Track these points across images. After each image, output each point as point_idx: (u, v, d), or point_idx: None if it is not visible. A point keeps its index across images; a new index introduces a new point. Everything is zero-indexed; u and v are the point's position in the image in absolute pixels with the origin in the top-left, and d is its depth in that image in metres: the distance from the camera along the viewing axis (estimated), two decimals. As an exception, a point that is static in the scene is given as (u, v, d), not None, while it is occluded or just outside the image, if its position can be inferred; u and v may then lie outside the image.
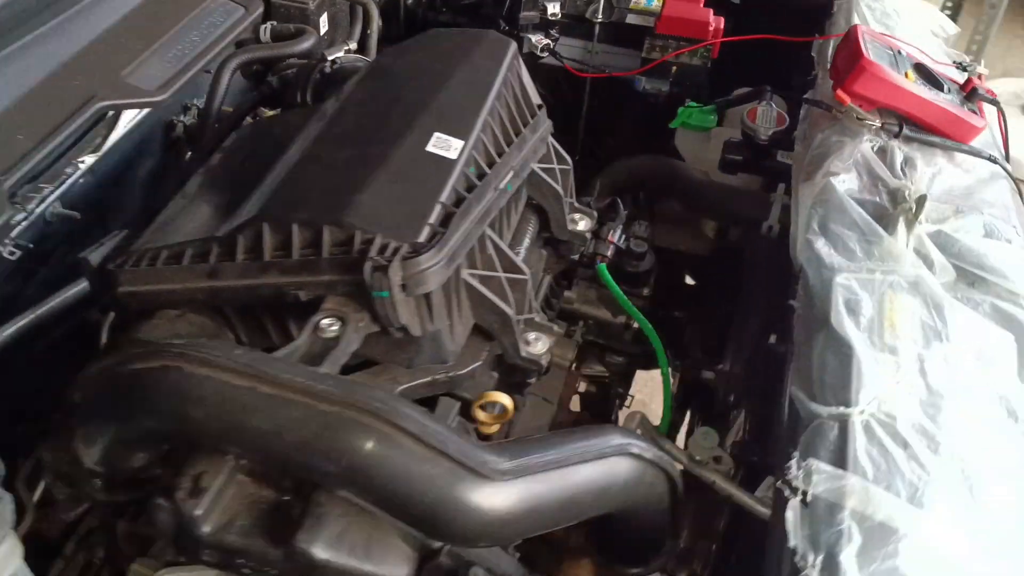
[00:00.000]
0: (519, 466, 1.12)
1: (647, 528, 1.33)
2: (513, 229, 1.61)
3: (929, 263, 1.52)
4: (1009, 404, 1.36)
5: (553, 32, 2.32)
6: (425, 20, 2.50)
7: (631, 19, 2.29)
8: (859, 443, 1.23)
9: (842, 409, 1.27)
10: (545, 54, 2.28)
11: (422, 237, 1.29)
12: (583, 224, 1.71)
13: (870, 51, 1.73)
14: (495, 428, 1.44)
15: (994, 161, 1.75)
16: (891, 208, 1.58)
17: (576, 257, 1.75)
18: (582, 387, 1.96)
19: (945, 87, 1.76)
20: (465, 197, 1.37)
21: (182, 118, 1.99)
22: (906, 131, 1.71)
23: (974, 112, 1.75)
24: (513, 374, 1.50)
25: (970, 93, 1.78)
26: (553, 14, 2.28)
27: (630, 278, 1.88)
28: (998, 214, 1.65)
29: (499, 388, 1.51)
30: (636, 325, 1.88)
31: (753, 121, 1.97)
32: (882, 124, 1.72)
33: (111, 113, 1.57)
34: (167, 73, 1.55)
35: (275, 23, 2.10)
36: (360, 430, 1.07)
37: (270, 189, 1.39)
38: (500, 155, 1.49)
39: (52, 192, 1.65)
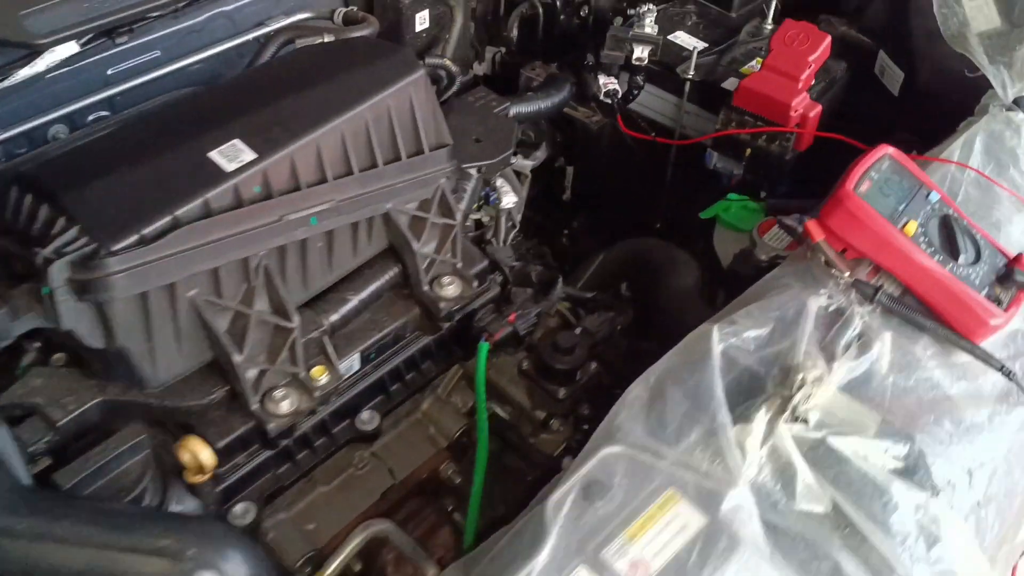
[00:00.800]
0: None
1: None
2: (342, 270, 1.40)
3: (787, 477, 1.11)
4: None
5: (638, 79, 2.02)
6: (563, 33, 2.27)
7: (729, 83, 1.92)
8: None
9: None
10: (608, 100, 1.99)
11: (122, 242, 1.15)
12: (451, 290, 1.45)
13: (871, 181, 1.29)
14: (199, 478, 1.26)
15: (1009, 376, 1.24)
16: (771, 389, 1.17)
17: (445, 325, 1.49)
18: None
19: (967, 257, 1.27)
20: (214, 215, 1.20)
21: (236, 80, 1.99)
22: (883, 299, 1.26)
23: (998, 303, 1.25)
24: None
25: (1006, 275, 1.26)
26: (638, 59, 1.97)
27: (549, 374, 1.58)
28: (958, 455, 1.16)
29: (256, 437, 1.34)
30: (557, 427, 1.58)
31: (761, 236, 1.57)
32: (855, 280, 1.28)
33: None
34: (63, 23, 1.52)
35: (352, 8, 2.01)
36: None
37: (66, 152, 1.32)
38: (318, 183, 1.30)
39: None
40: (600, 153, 2.15)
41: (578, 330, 1.64)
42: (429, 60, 1.68)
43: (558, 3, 2.24)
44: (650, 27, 2.00)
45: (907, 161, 1.35)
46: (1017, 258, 1.28)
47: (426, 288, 1.42)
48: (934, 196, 1.32)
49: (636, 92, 2.03)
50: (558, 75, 2.04)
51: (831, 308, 1.26)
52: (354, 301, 1.41)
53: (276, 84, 1.39)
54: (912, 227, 1.26)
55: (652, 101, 2.05)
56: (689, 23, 2.14)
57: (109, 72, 1.73)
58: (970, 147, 1.55)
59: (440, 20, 2.14)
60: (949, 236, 1.27)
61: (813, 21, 2.19)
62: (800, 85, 1.80)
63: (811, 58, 1.82)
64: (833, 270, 1.28)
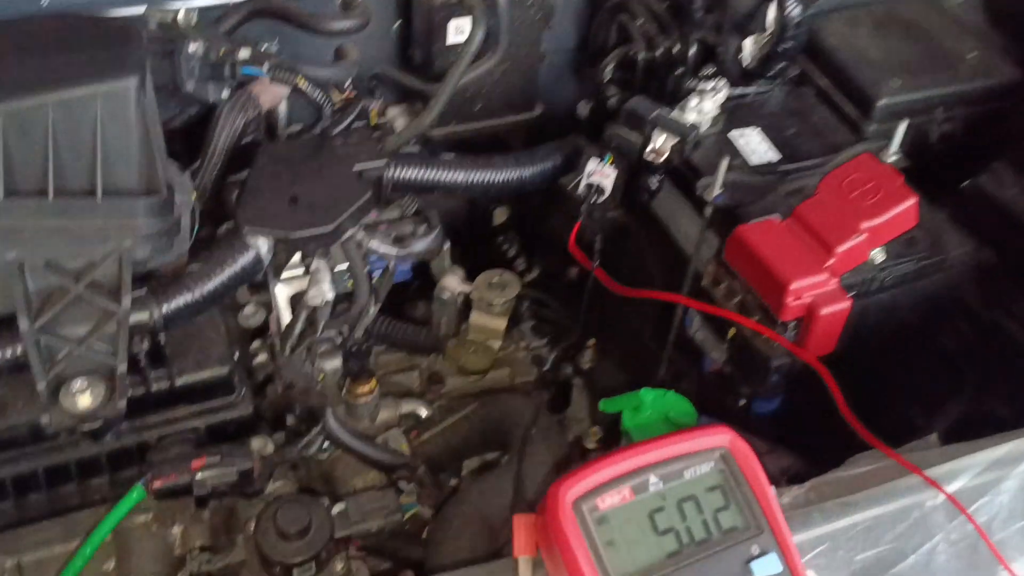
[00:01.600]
0: None
1: None
2: None
3: None
4: None
5: (653, 179, 1.40)
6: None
7: (761, 220, 1.26)
8: None
9: None
10: (595, 196, 1.39)
11: None
12: (82, 399, 0.97)
13: (634, 492, 0.66)
14: None
15: None
16: None
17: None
18: None
19: None
20: None
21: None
22: None
23: None
24: None
25: None
26: (653, 152, 1.35)
27: (265, 561, 1.08)
28: None
29: None
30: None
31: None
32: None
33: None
34: None
35: None
36: None
37: None
38: None
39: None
40: (621, 260, 1.56)
41: (338, 508, 1.12)
42: (275, 66, 1.20)
43: (658, 53, 1.65)
44: (694, 111, 1.38)
45: (754, 472, 0.69)
46: None
47: (42, 387, 0.97)
48: (766, 563, 0.65)
49: (647, 195, 1.41)
50: (556, 144, 1.49)
51: None
52: None
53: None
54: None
55: (678, 212, 1.43)
56: (788, 120, 1.47)
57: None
58: (1009, 468, 0.82)
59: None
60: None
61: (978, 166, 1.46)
62: (829, 261, 1.11)
63: (866, 224, 1.13)
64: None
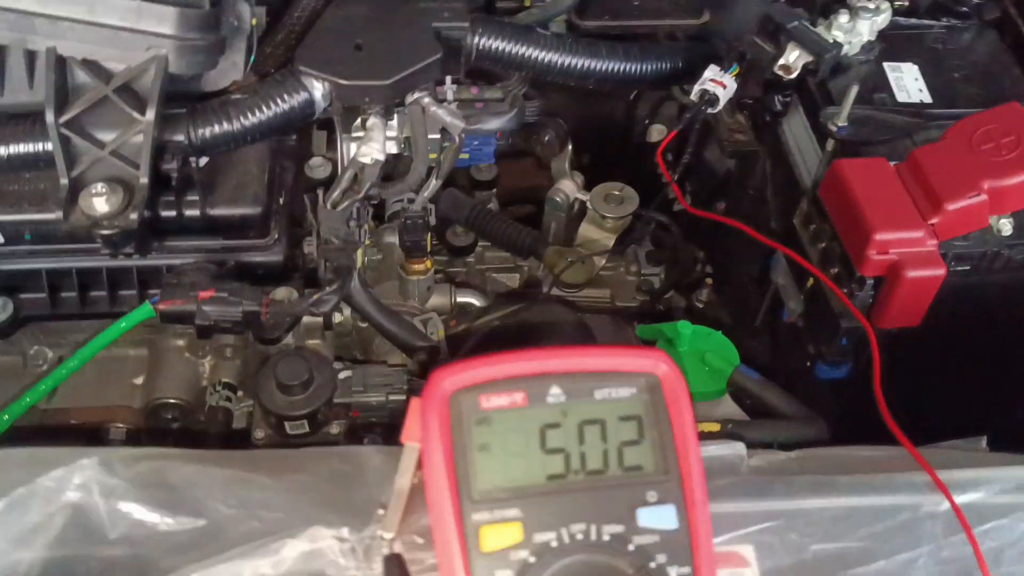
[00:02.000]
0: None
1: None
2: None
3: None
4: None
5: (778, 98, 1.24)
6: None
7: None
8: None
9: None
10: (706, 106, 1.24)
11: None
12: (98, 203, 0.97)
13: (527, 396, 0.57)
14: None
15: None
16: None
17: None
18: None
19: None
20: None
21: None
22: None
23: None
24: None
25: None
26: (783, 67, 1.19)
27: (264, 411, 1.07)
28: None
29: None
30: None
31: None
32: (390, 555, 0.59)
33: None
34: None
35: None
36: None
37: None
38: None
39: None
40: (744, 191, 1.42)
41: (344, 374, 1.08)
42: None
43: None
44: (842, 29, 1.20)
45: (680, 412, 0.57)
46: None
47: (64, 182, 0.97)
48: (658, 514, 0.54)
49: (768, 117, 1.26)
50: (682, 45, 1.35)
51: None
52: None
53: None
54: (512, 534, 0.53)
55: (804, 142, 1.27)
56: (957, 62, 1.27)
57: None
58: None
59: None
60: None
61: None
62: (934, 219, 0.94)
63: (989, 184, 0.94)
64: (381, 510, 0.60)
